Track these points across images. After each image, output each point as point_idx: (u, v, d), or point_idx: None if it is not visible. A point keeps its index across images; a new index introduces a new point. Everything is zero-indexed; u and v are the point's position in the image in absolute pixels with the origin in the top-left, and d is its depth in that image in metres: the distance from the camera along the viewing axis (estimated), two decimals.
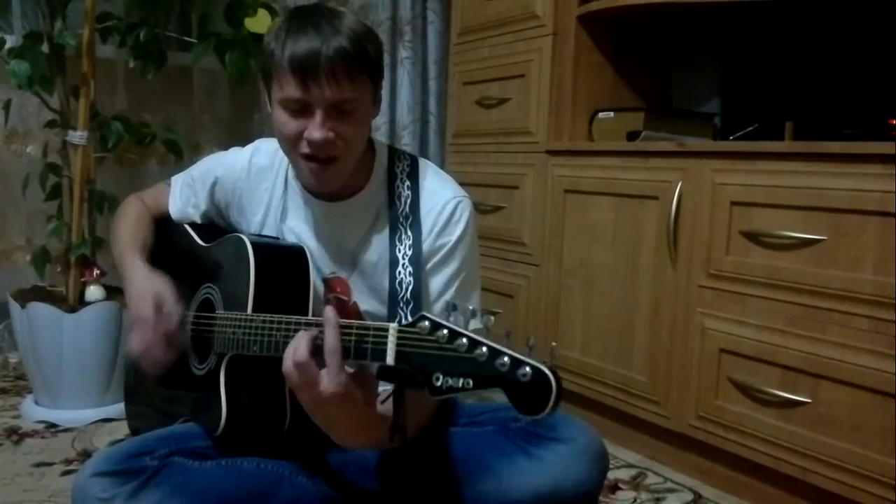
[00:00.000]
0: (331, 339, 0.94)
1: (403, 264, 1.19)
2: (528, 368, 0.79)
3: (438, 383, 0.85)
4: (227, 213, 1.38)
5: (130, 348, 1.20)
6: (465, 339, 0.84)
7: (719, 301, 1.75)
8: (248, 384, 1.15)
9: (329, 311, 0.96)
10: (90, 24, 2.08)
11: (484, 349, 0.82)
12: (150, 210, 1.45)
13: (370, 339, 0.93)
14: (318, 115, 1.11)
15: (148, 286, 1.22)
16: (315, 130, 1.11)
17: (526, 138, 2.28)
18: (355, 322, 0.96)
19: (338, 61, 1.08)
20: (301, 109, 1.12)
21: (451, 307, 0.88)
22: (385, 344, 0.91)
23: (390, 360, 0.91)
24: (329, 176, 1.17)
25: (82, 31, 2.08)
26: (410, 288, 1.18)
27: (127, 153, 2.53)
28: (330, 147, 1.13)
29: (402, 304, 1.17)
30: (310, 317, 1.05)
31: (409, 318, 1.13)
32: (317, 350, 0.95)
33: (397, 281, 1.18)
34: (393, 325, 0.91)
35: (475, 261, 1.28)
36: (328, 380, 0.94)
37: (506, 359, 0.81)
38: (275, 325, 1.05)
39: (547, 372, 0.79)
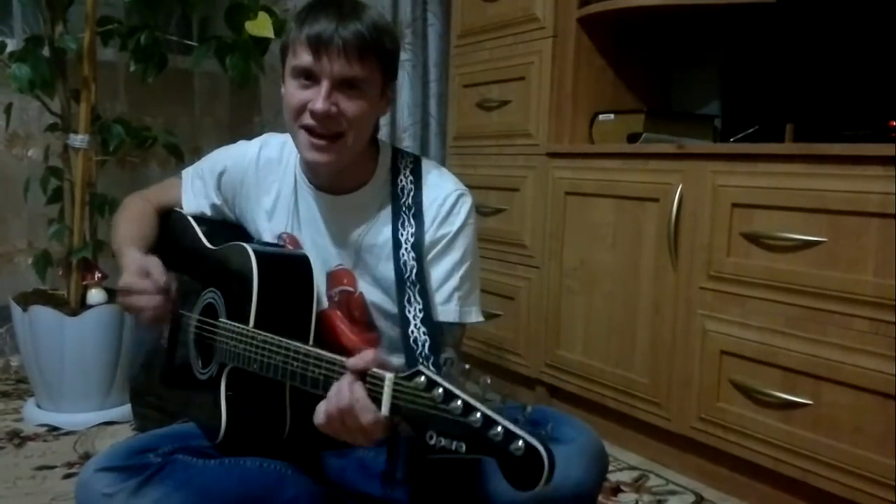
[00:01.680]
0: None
1: (406, 248, 1.21)
2: (521, 443, 0.76)
3: (431, 442, 0.83)
4: (233, 205, 1.40)
5: (136, 310, 1.23)
6: (459, 402, 0.81)
7: (720, 303, 1.75)
8: (249, 394, 1.15)
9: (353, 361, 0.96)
10: (91, 27, 2.08)
11: (478, 415, 0.79)
12: (154, 207, 1.46)
13: (367, 385, 0.93)
14: (324, 87, 1.14)
15: (134, 261, 1.25)
16: (319, 101, 1.14)
17: (526, 140, 2.28)
18: (356, 368, 0.95)
19: (351, 40, 1.13)
20: (309, 79, 1.15)
21: (449, 362, 0.87)
22: (381, 393, 0.90)
23: (385, 410, 0.90)
24: (330, 154, 1.18)
25: (83, 35, 2.08)
26: (415, 270, 1.19)
27: (128, 156, 2.53)
28: (332, 122, 1.15)
29: (409, 285, 1.19)
30: (310, 346, 1.05)
31: (418, 300, 1.16)
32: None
33: (401, 262, 1.20)
34: (389, 376, 0.90)
35: (476, 254, 1.29)
36: (369, 419, 0.93)
37: (499, 429, 0.78)
38: (274, 349, 1.07)
39: (540, 449, 0.76)
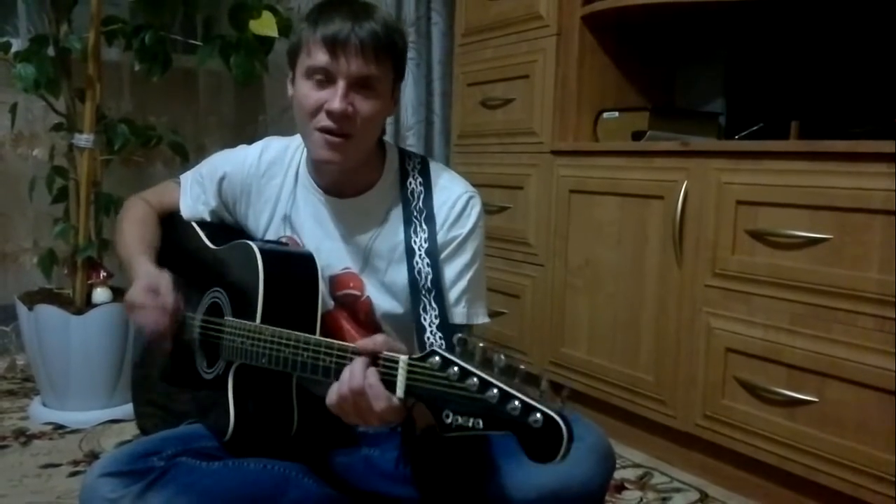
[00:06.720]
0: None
1: (420, 255, 1.21)
2: (539, 415, 0.77)
3: (448, 420, 0.84)
4: (234, 210, 1.39)
5: (139, 325, 1.24)
6: (475, 379, 0.81)
7: (725, 300, 1.75)
8: (257, 391, 1.15)
9: (371, 341, 0.96)
10: (96, 27, 2.09)
11: (495, 391, 0.80)
12: (154, 210, 1.45)
13: (381, 369, 0.93)
14: (341, 87, 1.14)
15: (146, 276, 1.24)
16: (336, 101, 1.14)
17: (530, 139, 2.28)
18: (366, 350, 0.96)
19: (368, 39, 1.14)
20: (325, 80, 1.16)
21: (462, 342, 0.87)
22: (395, 376, 0.91)
23: (399, 392, 0.90)
24: (341, 152, 1.18)
25: (88, 35, 2.09)
26: (430, 277, 1.19)
27: (133, 156, 2.54)
28: (347, 122, 1.16)
29: (424, 293, 1.19)
30: (318, 337, 1.05)
31: (434, 306, 1.16)
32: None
33: (416, 270, 1.20)
34: (403, 358, 0.91)
35: (483, 256, 1.30)
36: (382, 406, 0.93)
37: (517, 402, 0.78)
38: (283, 342, 1.07)
39: (558, 420, 0.76)
